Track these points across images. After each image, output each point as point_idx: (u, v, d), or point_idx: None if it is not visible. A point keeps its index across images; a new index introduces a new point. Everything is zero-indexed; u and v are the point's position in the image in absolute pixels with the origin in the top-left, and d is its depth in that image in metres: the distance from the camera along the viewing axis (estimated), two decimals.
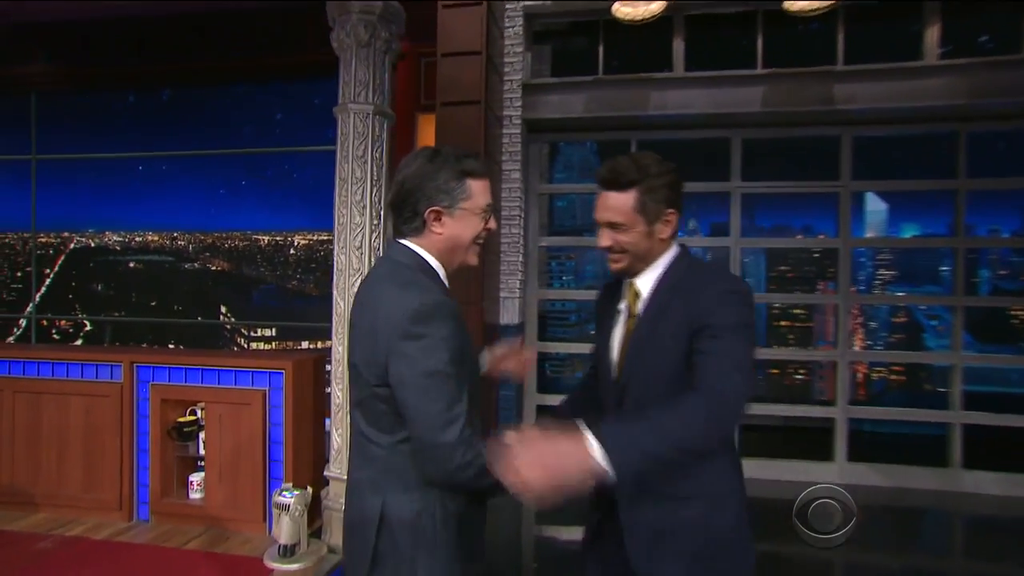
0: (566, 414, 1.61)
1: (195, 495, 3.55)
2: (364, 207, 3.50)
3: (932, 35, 4.30)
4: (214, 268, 5.05)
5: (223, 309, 5.03)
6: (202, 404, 3.57)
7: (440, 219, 1.37)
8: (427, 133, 4.96)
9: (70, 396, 3.57)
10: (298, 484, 3.32)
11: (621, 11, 3.93)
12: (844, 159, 4.55)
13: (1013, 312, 4.74)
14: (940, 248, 4.87)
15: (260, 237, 5.06)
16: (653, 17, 3.88)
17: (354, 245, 3.50)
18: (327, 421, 3.64)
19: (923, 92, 4.20)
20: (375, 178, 3.53)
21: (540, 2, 4.60)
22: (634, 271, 1.49)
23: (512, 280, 4.69)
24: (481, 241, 1.46)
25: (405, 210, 1.37)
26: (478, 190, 1.40)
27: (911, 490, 4.40)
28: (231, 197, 5.06)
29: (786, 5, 3.80)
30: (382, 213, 3.59)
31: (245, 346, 4.99)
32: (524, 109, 4.69)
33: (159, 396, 3.53)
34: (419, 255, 1.37)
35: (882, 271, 5.35)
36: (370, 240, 3.52)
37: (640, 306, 1.47)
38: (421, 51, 4.80)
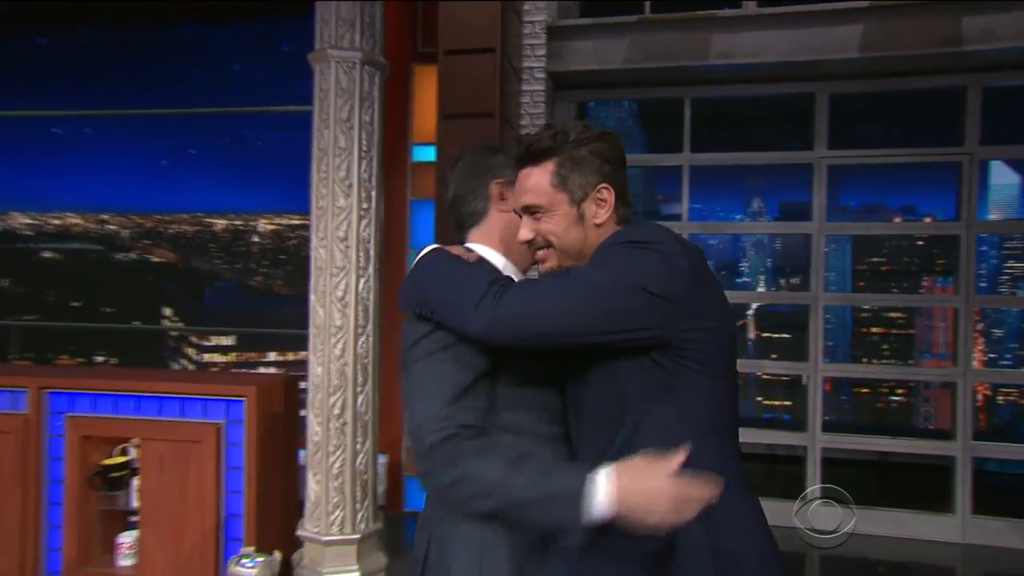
0: None
1: (125, 561, 3.20)
2: (350, 186, 3.16)
3: None
4: (155, 259, 4.62)
5: (167, 311, 4.58)
6: (136, 441, 3.23)
7: (504, 197, 1.50)
8: (426, 90, 4.57)
9: None
10: (263, 548, 3.05)
11: None
12: (970, 118, 4.18)
13: None
14: None
15: (214, 221, 4.62)
16: None
17: (337, 236, 3.12)
18: (300, 454, 3.42)
19: None
20: (364, 148, 3.20)
21: None
22: None
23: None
24: None
25: (467, 197, 1.51)
26: None
27: None
28: (177, 169, 4.60)
29: None
30: (373, 194, 3.17)
31: (196, 358, 4.57)
32: (549, 59, 4.35)
33: (78, 432, 3.18)
34: (481, 256, 1.47)
35: (1011, 263, 4.88)
36: (358, 229, 3.16)
37: None
38: None
